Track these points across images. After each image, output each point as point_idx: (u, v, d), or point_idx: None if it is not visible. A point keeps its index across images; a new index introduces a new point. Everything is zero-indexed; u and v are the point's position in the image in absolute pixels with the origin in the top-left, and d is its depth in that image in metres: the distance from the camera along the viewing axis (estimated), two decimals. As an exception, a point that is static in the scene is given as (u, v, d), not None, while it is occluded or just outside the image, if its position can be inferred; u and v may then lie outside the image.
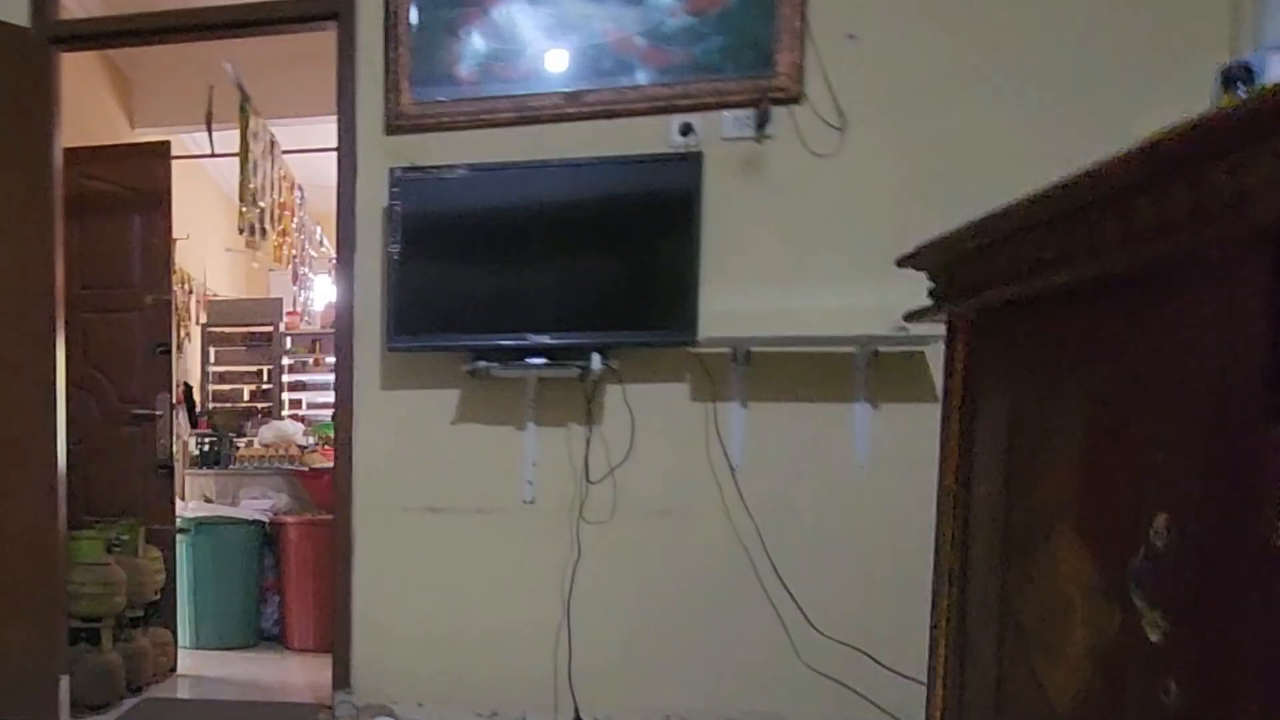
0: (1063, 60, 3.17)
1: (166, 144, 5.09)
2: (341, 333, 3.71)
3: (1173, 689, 1.11)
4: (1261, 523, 0.99)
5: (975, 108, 3.22)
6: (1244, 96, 1.16)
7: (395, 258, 3.45)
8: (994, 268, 1.54)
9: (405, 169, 3.45)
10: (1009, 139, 3.16)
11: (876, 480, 3.29)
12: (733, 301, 3.32)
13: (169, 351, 4.95)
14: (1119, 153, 1.15)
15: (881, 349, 3.24)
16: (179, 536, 5.15)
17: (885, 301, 3.01)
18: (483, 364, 3.37)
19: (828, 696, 3.30)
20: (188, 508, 5.69)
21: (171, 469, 4.97)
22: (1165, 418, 1.17)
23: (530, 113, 3.50)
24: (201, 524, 5.50)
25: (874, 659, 3.24)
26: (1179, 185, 1.09)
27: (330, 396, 3.91)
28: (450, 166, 3.43)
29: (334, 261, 3.73)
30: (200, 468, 6.38)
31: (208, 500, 6.17)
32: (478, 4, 3.53)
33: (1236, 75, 2.25)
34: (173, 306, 5.09)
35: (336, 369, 3.74)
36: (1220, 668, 1.05)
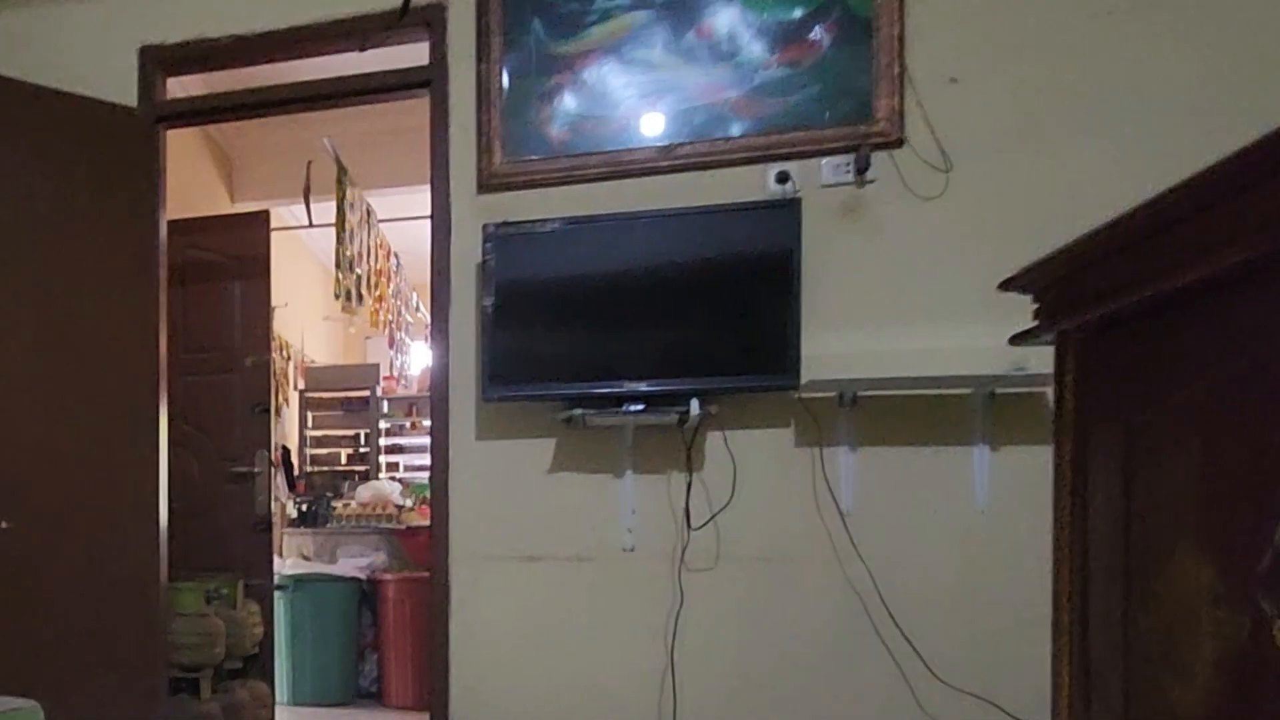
0: (1168, 100, 2.90)
1: (266, 212, 5.00)
2: (437, 385, 3.52)
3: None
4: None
5: (1080, 147, 2.96)
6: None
7: (489, 310, 3.25)
8: (1100, 282, 1.41)
9: (498, 225, 3.26)
10: (1114, 179, 2.87)
11: (998, 524, 2.98)
12: (837, 345, 3.07)
13: (268, 411, 4.79)
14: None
15: (999, 390, 2.95)
16: (277, 593, 4.97)
17: (998, 343, 2.68)
18: (578, 412, 3.13)
19: (951, 748, 3.00)
20: (285, 565, 5.49)
21: (270, 526, 4.79)
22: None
23: (622, 167, 3.30)
24: (299, 581, 5.29)
25: (1000, 708, 2.91)
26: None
27: (427, 458, 3.67)
28: (543, 221, 3.23)
29: (429, 322, 3.51)
30: (298, 526, 6.14)
31: (305, 558, 5.97)
32: (568, 68, 3.35)
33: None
34: (271, 368, 4.91)
35: (432, 420, 3.54)
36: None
